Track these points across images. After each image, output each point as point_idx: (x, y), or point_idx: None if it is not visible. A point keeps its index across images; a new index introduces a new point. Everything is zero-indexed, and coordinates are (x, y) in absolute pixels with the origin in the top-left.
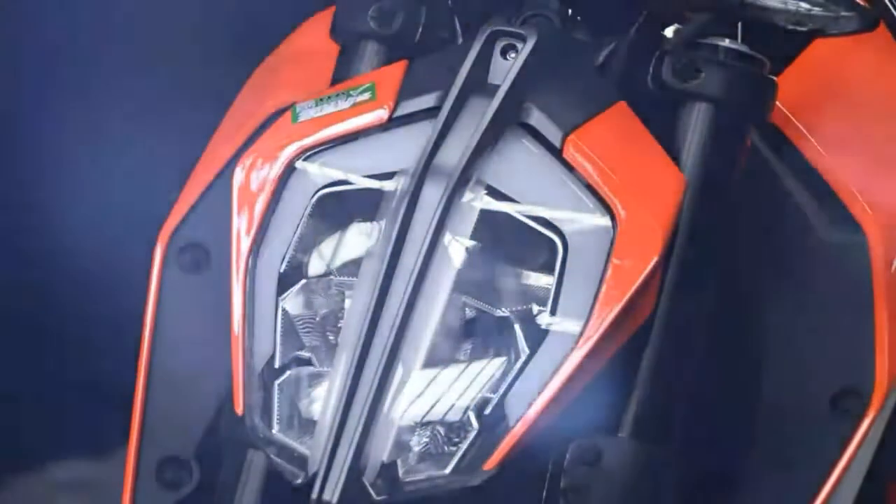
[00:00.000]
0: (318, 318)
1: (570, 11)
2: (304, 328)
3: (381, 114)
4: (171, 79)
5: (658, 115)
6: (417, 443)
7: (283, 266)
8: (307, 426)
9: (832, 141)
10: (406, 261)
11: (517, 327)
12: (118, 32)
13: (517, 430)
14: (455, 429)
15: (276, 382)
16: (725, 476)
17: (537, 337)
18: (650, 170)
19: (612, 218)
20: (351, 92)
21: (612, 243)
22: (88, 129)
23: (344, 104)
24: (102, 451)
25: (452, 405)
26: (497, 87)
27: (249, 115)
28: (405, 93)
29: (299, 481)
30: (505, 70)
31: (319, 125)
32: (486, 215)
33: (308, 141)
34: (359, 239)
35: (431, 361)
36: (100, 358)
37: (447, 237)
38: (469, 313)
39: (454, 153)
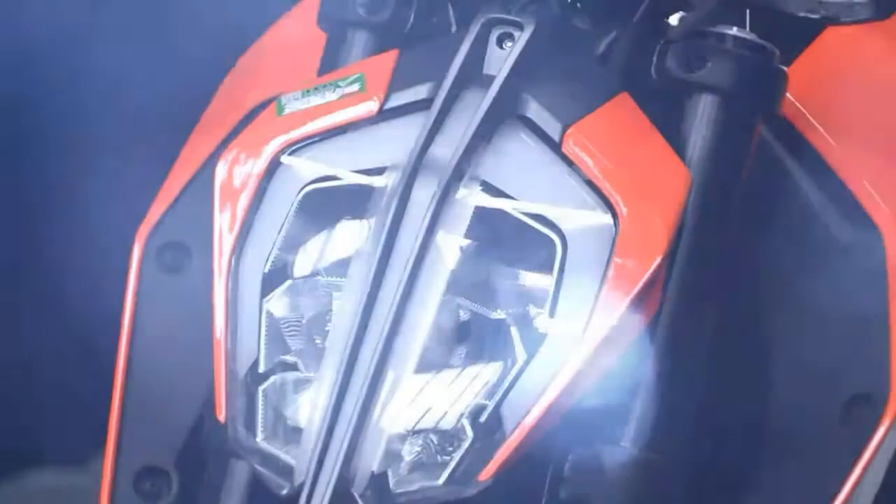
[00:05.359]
0: (304, 321)
1: None
2: (289, 331)
3: (371, 106)
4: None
5: (662, 107)
6: (409, 452)
7: (268, 266)
8: (293, 434)
9: (845, 134)
10: (397, 260)
11: (514, 330)
12: (112, 31)
13: (514, 439)
14: (449, 437)
15: (261, 388)
16: (731, 487)
17: (535, 340)
18: (654, 165)
19: (614, 215)
20: (339, 83)
21: (613, 242)
22: (75, 122)
23: (332, 96)
24: (79, 460)
25: (446, 412)
26: (493, 77)
27: (232, 107)
28: (396, 84)
29: (285, 492)
30: (501, 60)
31: (306, 118)
32: (481, 213)
33: (294, 134)
34: (347, 237)
35: (424, 366)
36: (76, 362)
37: (440, 236)
38: (463, 316)
39: (448, 147)
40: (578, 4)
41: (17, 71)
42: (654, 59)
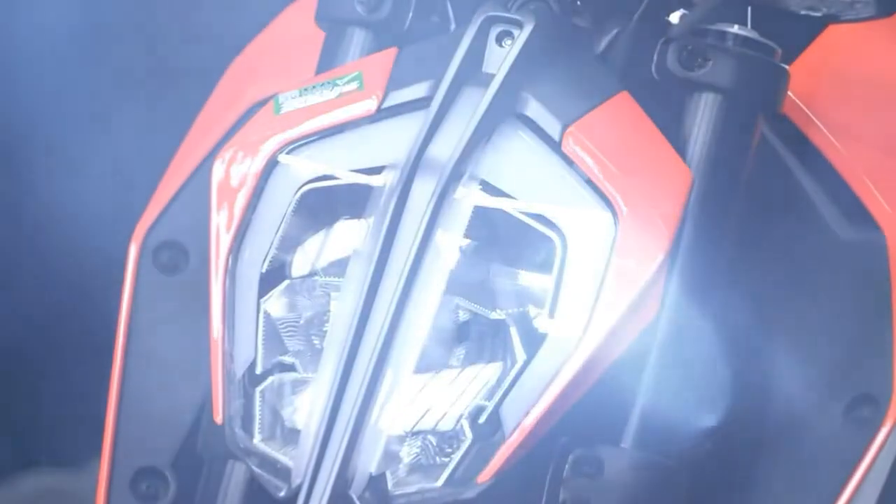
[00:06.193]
0: (302, 321)
1: None
2: (287, 332)
3: (369, 104)
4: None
5: (663, 106)
6: (408, 453)
7: (266, 266)
8: (291, 435)
9: (847, 133)
10: (395, 260)
11: (513, 331)
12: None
13: (513, 440)
14: (447, 438)
15: (258, 389)
16: (732, 488)
17: (535, 341)
18: (655, 164)
19: (615, 215)
20: (337, 81)
21: (614, 241)
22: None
23: (329, 94)
24: (75, 462)
25: (445, 413)
26: (492, 76)
27: (229, 106)
28: (394, 82)
29: (282, 494)
30: (500, 58)
31: (303, 117)
32: (480, 212)
33: (291, 133)
34: (345, 237)
35: (423, 367)
36: (72, 362)
37: (439, 235)
38: (462, 316)
39: (446, 146)
40: (578, 2)
41: (13, 70)
42: (655, 57)
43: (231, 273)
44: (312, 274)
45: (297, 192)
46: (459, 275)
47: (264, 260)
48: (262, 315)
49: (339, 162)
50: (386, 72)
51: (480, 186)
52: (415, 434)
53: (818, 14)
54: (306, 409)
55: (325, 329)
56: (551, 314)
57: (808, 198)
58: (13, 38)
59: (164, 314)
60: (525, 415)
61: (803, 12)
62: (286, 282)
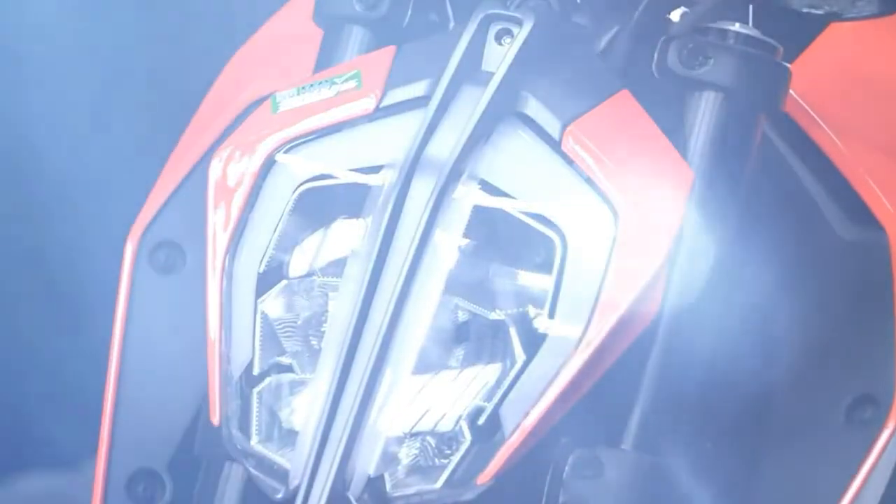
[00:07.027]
0: (299, 322)
1: None
2: (284, 332)
3: (368, 103)
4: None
5: (664, 105)
6: (406, 455)
7: (263, 266)
8: (288, 437)
9: (849, 132)
10: (394, 260)
11: (513, 331)
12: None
13: (513, 441)
14: (447, 440)
15: (255, 390)
16: (733, 491)
17: (534, 341)
18: (655, 163)
19: (615, 214)
20: (335, 80)
21: (614, 241)
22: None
23: (327, 93)
24: (71, 463)
25: (444, 414)
26: (491, 74)
27: (226, 104)
28: (393, 81)
29: (280, 496)
30: (500, 56)
31: (301, 115)
32: (479, 211)
33: (289, 132)
34: (343, 237)
35: (421, 368)
36: (68, 363)
37: (438, 235)
38: (462, 316)
39: (445, 145)
40: (578, 0)
41: (12, 69)
42: (656, 55)
43: (228, 273)
44: (310, 274)
45: (294, 191)
46: (459, 275)
47: (262, 260)
48: (259, 315)
49: (337, 161)
50: (384, 70)
51: (480, 186)
52: (413, 435)
53: (820, 12)
54: (304, 411)
55: (322, 329)
56: (551, 314)
57: (809, 197)
58: (13, 39)
59: (161, 314)
60: (525, 416)
61: (805, 10)
62: (284, 282)
